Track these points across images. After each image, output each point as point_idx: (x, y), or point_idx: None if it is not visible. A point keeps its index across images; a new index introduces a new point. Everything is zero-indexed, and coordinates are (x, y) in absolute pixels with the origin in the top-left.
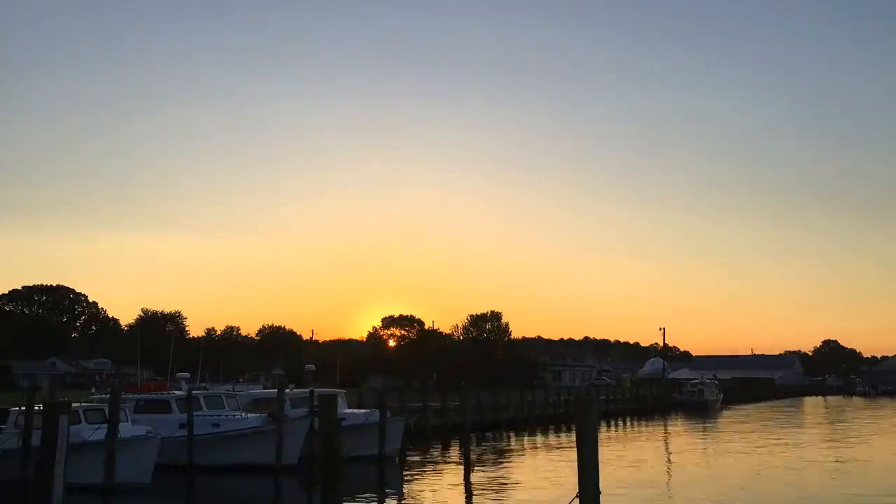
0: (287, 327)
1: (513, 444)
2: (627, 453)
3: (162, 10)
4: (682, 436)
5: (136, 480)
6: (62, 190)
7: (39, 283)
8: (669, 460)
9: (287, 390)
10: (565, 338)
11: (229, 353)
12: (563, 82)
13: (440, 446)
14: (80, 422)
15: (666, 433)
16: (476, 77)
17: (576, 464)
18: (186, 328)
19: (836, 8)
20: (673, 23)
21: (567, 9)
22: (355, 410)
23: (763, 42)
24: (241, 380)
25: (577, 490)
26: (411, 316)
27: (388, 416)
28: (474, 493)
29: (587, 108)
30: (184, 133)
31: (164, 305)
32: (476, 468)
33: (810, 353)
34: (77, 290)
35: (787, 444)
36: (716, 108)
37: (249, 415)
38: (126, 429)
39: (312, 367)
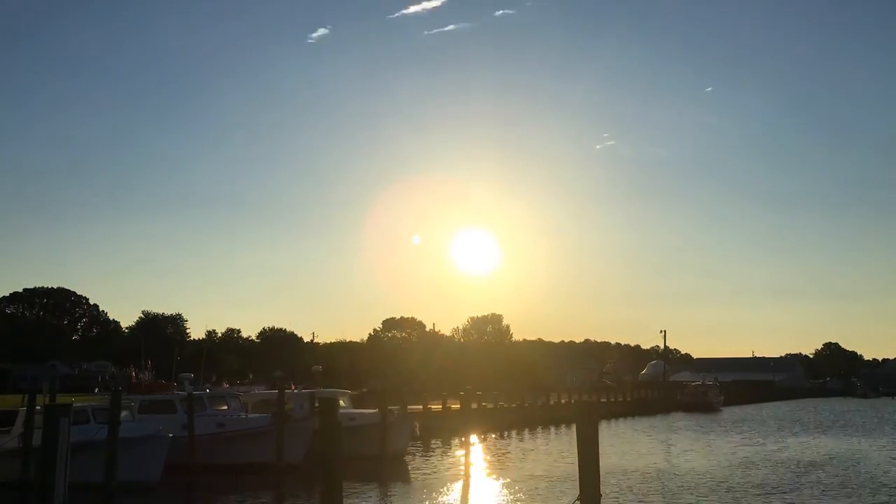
0: (288, 329)
1: (515, 445)
2: (628, 455)
3: None
4: (683, 437)
5: (146, 479)
6: (64, 191)
7: (40, 286)
8: (670, 462)
9: (296, 391)
10: (566, 340)
11: (230, 354)
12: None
13: (443, 447)
14: (88, 421)
15: (668, 435)
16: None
17: (577, 466)
18: (187, 330)
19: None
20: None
21: None
22: (363, 411)
23: (756, 40)
24: (247, 381)
25: (578, 492)
26: (412, 318)
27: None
28: (477, 494)
29: (594, 114)
30: (181, 131)
31: (165, 308)
32: (478, 469)
33: (811, 356)
34: (78, 292)
35: (784, 443)
36: (714, 107)
37: (252, 415)
38: (136, 427)
39: (320, 368)
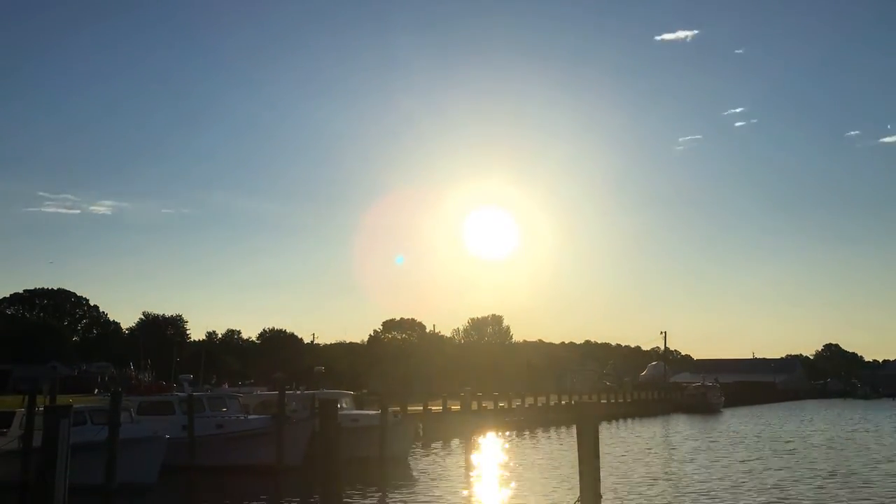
0: (288, 330)
1: (515, 446)
2: (628, 456)
3: None
4: (683, 438)
5: (143, 480)
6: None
7: (41, 287)
8: (670, 463)
9: (297, 392)
10: (566, 341)
11: (230, 355)
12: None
13: (443, 447)
14: (85, 422)
15: (667, 436)
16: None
17: (577, 467)
18: (188, 332)
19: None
20: None
21: None
22: (365, 412)
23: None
24: (247, 382)
25: (579, 493)
26: (412, 319)
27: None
28: (476, 495)
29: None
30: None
31: (166, 309)
32: (478, 470)
33: (812, 357)
34: (78, 293)
35: (782, 442)
36: (711, 110)
37: (252, 416)
38: (132, 429)
39: (322, 369)
